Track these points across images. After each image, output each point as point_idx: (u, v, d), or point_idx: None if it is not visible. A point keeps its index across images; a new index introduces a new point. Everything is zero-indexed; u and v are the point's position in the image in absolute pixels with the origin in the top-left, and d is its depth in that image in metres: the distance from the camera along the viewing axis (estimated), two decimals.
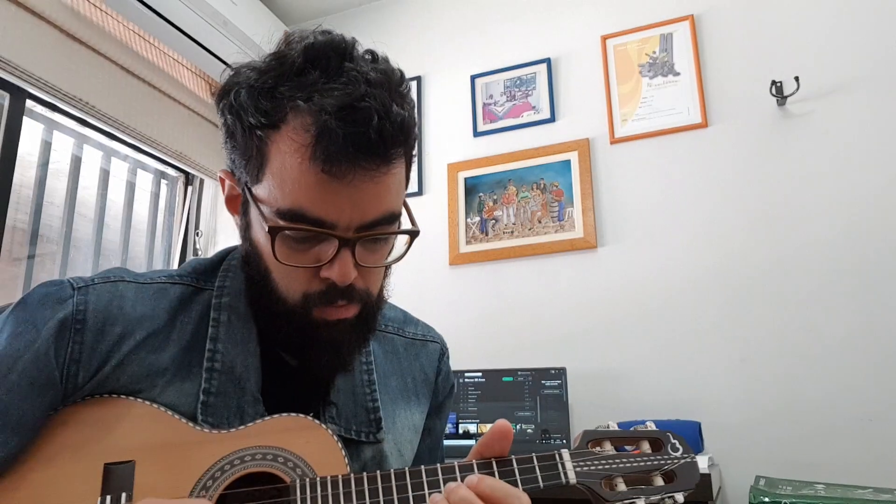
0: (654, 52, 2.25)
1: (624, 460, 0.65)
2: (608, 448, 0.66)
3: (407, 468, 0.63)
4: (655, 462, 0.66)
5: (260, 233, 0.67)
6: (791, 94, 1.99)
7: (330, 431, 0.67)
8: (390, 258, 0.70)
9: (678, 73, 2.20)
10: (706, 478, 1.49)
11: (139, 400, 0.65)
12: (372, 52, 0.67)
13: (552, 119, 2.36)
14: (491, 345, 2.23)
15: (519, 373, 2.02)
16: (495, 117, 2.45)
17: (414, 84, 2.60)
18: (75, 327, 0.64)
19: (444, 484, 0.61)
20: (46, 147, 2.14)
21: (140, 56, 2.29)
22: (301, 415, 0.67)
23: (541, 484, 0.63)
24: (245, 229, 0.70)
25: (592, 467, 0.64)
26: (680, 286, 2.04)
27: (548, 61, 2.41)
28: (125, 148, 2.45)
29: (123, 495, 0.61)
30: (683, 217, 2.09)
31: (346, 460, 0.66)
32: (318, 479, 0.62)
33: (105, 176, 2.38)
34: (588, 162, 2.25)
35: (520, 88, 2.44)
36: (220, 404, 0.67)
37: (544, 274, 2.23)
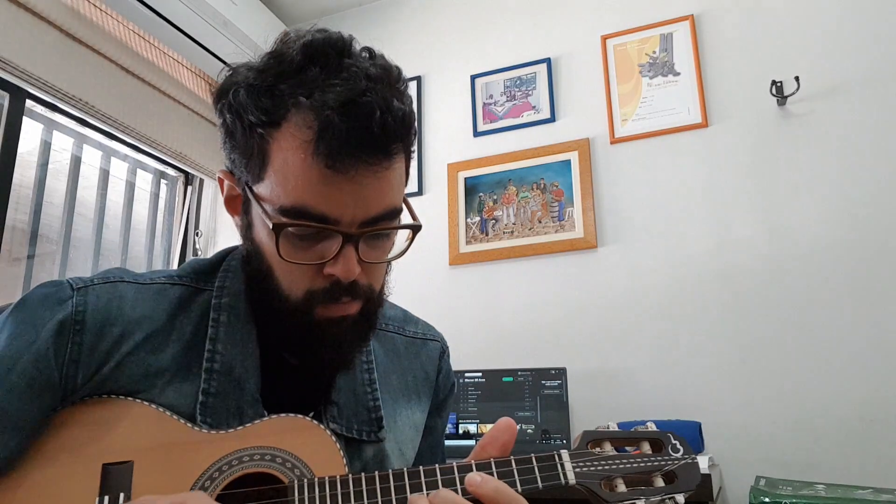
0: (654, 52, 2.25)
1: (624, 461, 0.65)
2: (608, 449, 0.66)
3: (405, 469, 0.62)
4: (656, 463, 0.65)
5: (262, 232, 0.67)
6: (791, 94, 1.99)
7: (328, 432, 0.67)
8: (392, 254, 0.70)
9: (678, 73, 2.19)
10: (706, 478, 1.49)
11: (138, 400, 0.65)
12: (369, 50, 0.68)
13: (552, 119, 2.36)
14: (491, 345, 2.23)
15: (519, 373, 2.02)
16: (495, 117, 2.45)
17: (414, 84, 2.60)
18: (75, 328, 0.64)
19: (443, 485, 0.61)
20: (46, 147, 2.14)
21: (140, 56, 2.29)
22: (300, 415, 0.67)
23: (540, 485, 0.62)
24: (246, 229, 0.70)
25: (592, 468, 0.64)
26: (680, 286, 2.04)
27: (548, 61, 2.41)
28: (125, 148, 2.45)
29: (122, 495, 0.61)
30: (683, 217, 2.09)
31: (345, 461, 0.66)
32: (316, 479, 0.62)
33: (105, 176, 2.38)
34: (588, 162, 2.25)
35: (520, 88, 2.44)
36: (219, 405, 0.67)
37: (544, 274, 2.23)
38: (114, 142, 2.39)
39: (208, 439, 0.64)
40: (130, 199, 2.49)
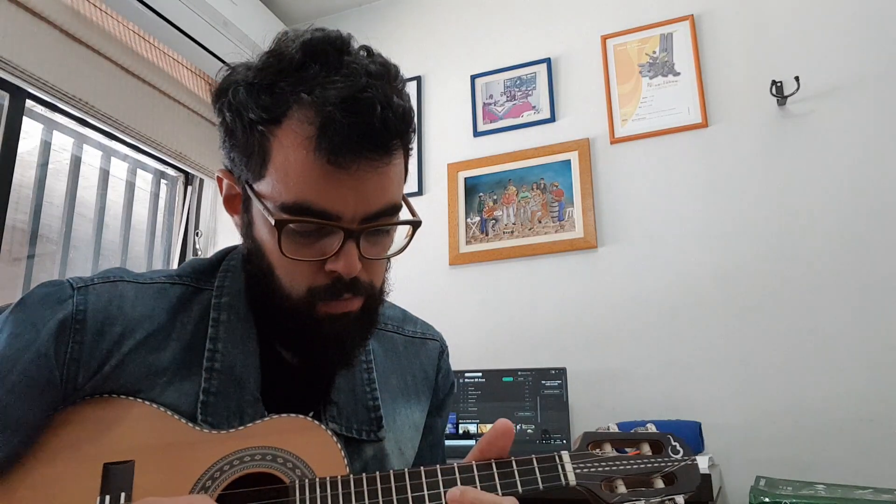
0: (654, 52, 2.25)
1: (624, 462, 0.65)
2: (608, 450, 0.66)
3: (406, 469, 0.63)
4: (656, 464, 0.65)
5: (263, 229, 0.67)
6: (791, 94, 1.99)
7: (329, 432, 0.67)
8: (392, 250, 0.71)
9: (678, 73, 2.20)
10: (706, 478, 1.49)
11: (139, 400, 0.65)
12: (367, 48, 0.68)
13: (552, 119, 2.36)
14: (491, 345, 2.23)
15: (519, 373, 2.02)
16: (495, 117, 2.45)
17: (414, 84, 2.60)
18: (75, 327, 0.64)
19: (444, 485, 0.61)
20: (46, 147, 2.14)
21: (140, 56, 2.29)
22: (301, 415, 0.67)
23: (540, 485, 0.63)
24: (247, 227, 0.70)
25: (592, 469, 0.64)
26: (680, 286, 2.04)
27: (548, 61, 2.41)
28: (125, 148, 2.45)
29: (122, 495, 0.61)
30: (683, 217, 2.09)
31: (346, 461, 0.66)
32: (317, 479, 0.62)
33: (105, 176, 2.38)
34: (588, 162, 2.25)
35: (520, 88, 2.44)
36: (219, 404, 0.67)
37: (544, 274, 2.23)
38: (114, 142, 2.39)
39: (209, 439, 0.64)
40: (130, 199, 2.49)
